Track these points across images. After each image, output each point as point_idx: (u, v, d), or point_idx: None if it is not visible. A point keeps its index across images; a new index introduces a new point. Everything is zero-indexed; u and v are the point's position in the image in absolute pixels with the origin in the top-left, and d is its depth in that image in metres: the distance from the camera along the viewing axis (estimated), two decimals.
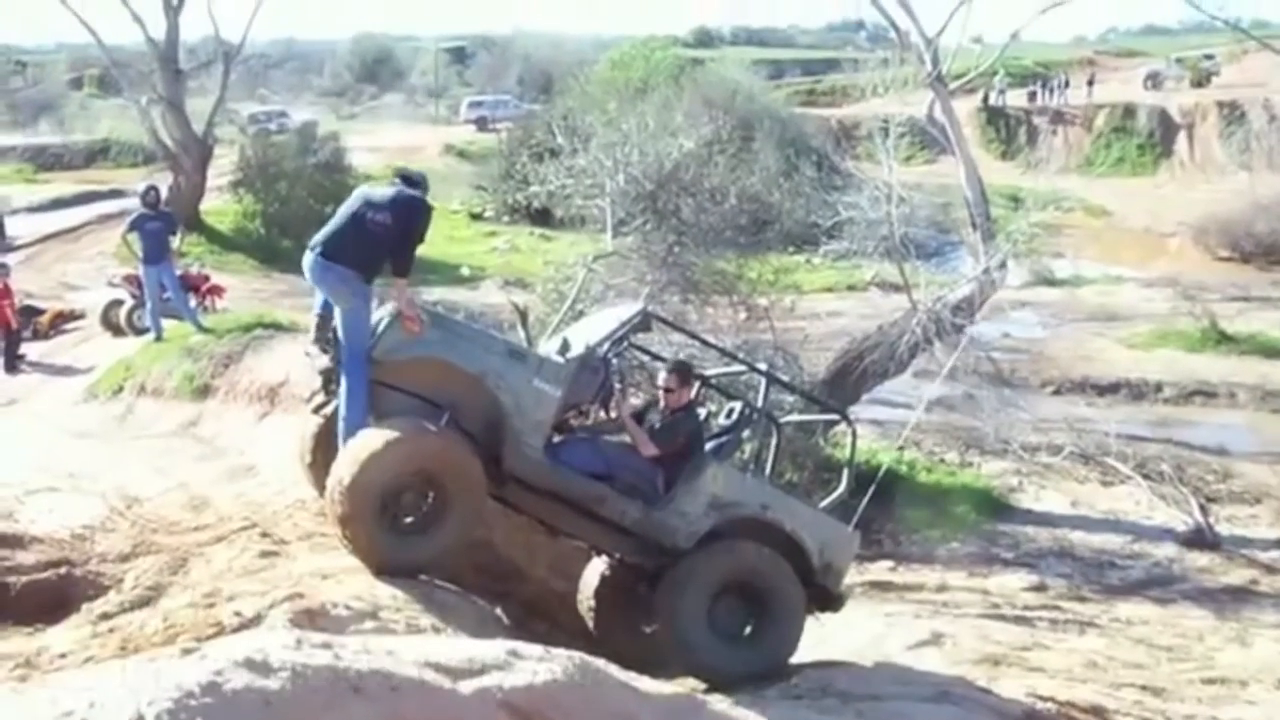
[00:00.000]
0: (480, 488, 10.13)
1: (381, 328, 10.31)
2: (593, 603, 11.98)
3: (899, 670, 11.78)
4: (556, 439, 10.86)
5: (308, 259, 10.55)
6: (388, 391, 10.31)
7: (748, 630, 10.80)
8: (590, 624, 11.88)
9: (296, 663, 6.22)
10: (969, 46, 24.25)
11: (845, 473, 12.34)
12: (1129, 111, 71.98)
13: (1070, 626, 15.70)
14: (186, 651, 6.45)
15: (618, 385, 11.77)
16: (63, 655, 8.56)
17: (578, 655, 7.58)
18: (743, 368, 13.61)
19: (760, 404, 11.72)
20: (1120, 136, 70.53)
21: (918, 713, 9.91)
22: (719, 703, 8.61)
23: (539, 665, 7.19)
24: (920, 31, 21.22)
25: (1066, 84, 77.19)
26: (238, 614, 8.76)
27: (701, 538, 10.77)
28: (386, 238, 10.31)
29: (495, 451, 10.32)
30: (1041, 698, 11.29)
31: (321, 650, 6.50)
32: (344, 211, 10.60)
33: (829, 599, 11.50)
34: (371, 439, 9.81)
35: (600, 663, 7.79)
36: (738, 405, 12.10)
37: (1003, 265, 20.52)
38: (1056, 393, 28.75)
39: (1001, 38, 26.15)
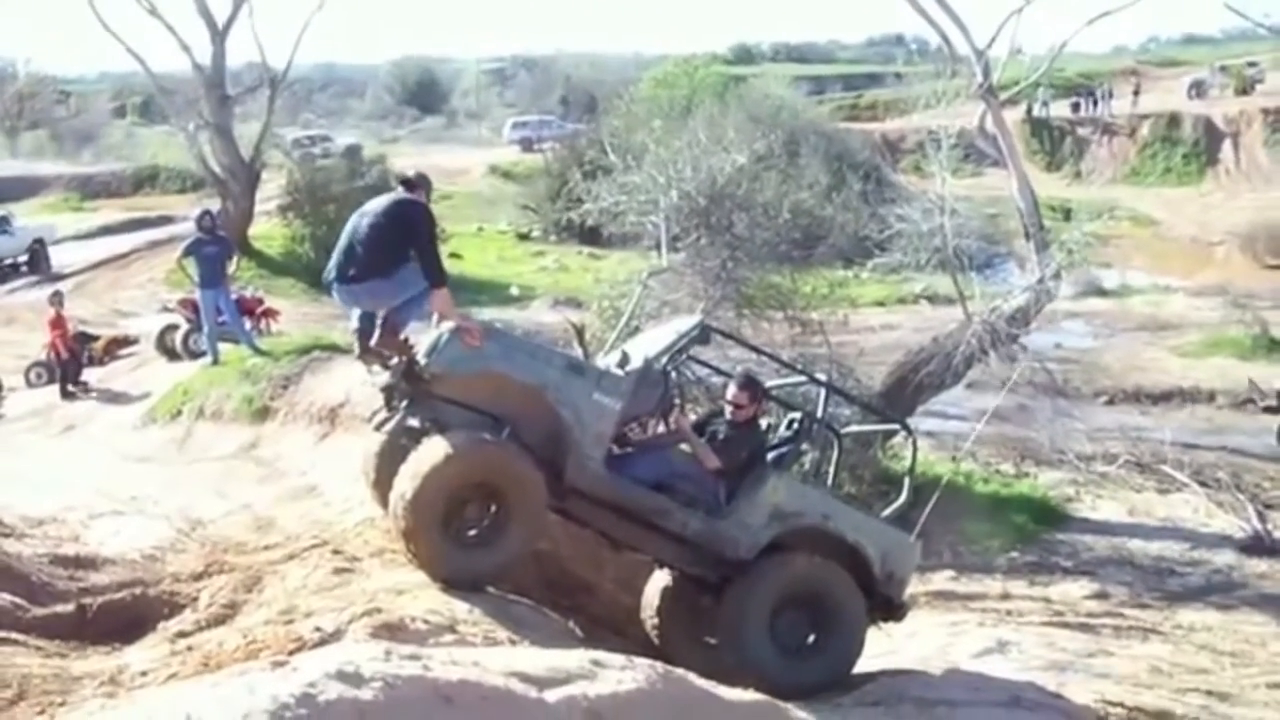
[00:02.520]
0: (541, 498, 10.21)
1: (441, 342, 10.40)
2: (656, 616, 12.02)
3: (971, 676, 11.79)
4: (616, 451, 10.92)
5: (336, 292, 10.84)
6: (448, 406, 10.39)
7: (810, 641, 10.85)
8: (654, 637, 11.92)
9: (388, 673, 6.30)
10: (1015, 58, 24.11)
11: (906, 482, 12.37)
12: (1174, 121, 71.55)
13: (1133, 633, 15.67)
14: (278, 664, 6.53)
15: (676, 398, 11.82)
16: (144, 673, 8.62)
17: (660, 665, 7.63)
18: (802, 379, 13.62)
19: (819, 415, 11.76)
20: (1165, 146, 70.13)
21: (992, 718, 9.92)
22: (800, 711, 8.63)
23: (623, 674, 7.24)
24: (971, 43, 21.18)
25: (1111, 94, 76.80)
26: (318, 629, 8.83)
27: (763, 549, 10.82)
28: (383, 237, 10.42)
29: (556, 464, 10.39)
30: (1110, 703, 11.30)
31: (410, 661, 6.58)
32: (345, 232, 10.77)
33: (892, 608, 11.53)
34: (432, 452, 9.90)
35: (681, 672, 7.83)
36: (798, 416, 12.12)
37: (1057, 275, 20.46)
38: (1110, 402, 28.68)
39: (1040, 49, 26.10)
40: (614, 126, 31.86)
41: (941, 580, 17.68)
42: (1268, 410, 26.07)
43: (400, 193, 10.81)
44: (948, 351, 20.14)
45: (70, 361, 24.21)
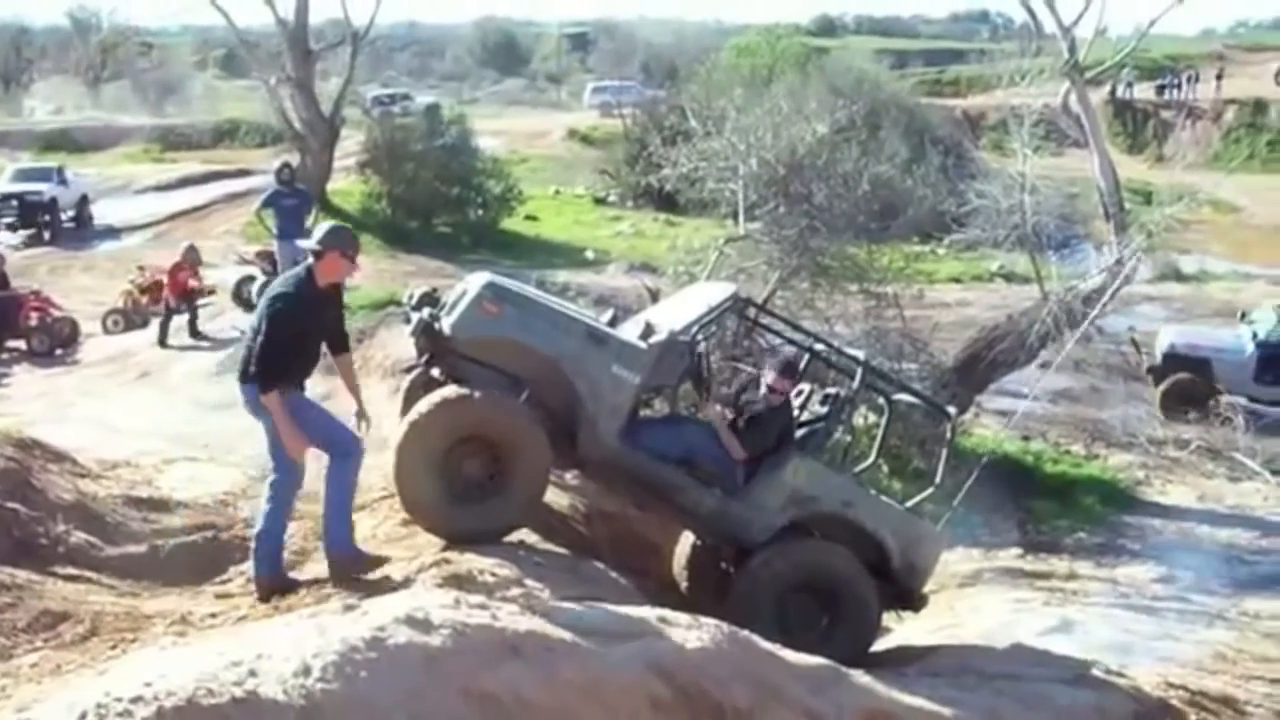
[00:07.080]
0: (543, 458, 10.13)
1: (463, 304, 10.40)
2: (685, 571, 12.24)
3: (1035, 652, 11.79)
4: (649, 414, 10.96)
5: None
6: (468, 365, 10.38)
7: (824, 623, 10.83)
8: (684, 590, 12.06)
9: (457, 621, 6.37)
10: (1101, 37, 23.88)
11: (939, 469, 12.22)
12: (1259, 107, 70.50)
13: (1199, 618, 15.59)
14: (349, 608, 6.61)
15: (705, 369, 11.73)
16: (214, 615, 8.75)
17: (725, 625, 7.66)
18: (847, 355, 13.39)
19: (855, 391, 11.61)
20: (1250, 132, 69.15)
21: (1056, 693, 9.94)
22: (859, 676, 8.65)
23: (689, 633, 7.29)
24: (1057, 20, 21.01)
25: (1196, 78, 75.73)
26: (387, 578, 8.92)
27: (780, 531, 10.82)
28: None
29: (573, 431, 10.39)
30: (1173, 685, 11.26)
31: (479, 611, 6.64)
32: None
33: (911, 598, 11.50)
34: (428, 402, 9.95)
35: (746, 633, 7.87)
36: (832, 392, 12.03)
37: (1136, 257, 20.27)
38: None
39: (1127, 29, 25.83)
40: (694, 93, 31.74)
41: (1008, 558, 17.62)
42: (1150, 372, 25.37)
43: None
44: (1022, 330, 20.05)
45: (180, 309, 24.03)
